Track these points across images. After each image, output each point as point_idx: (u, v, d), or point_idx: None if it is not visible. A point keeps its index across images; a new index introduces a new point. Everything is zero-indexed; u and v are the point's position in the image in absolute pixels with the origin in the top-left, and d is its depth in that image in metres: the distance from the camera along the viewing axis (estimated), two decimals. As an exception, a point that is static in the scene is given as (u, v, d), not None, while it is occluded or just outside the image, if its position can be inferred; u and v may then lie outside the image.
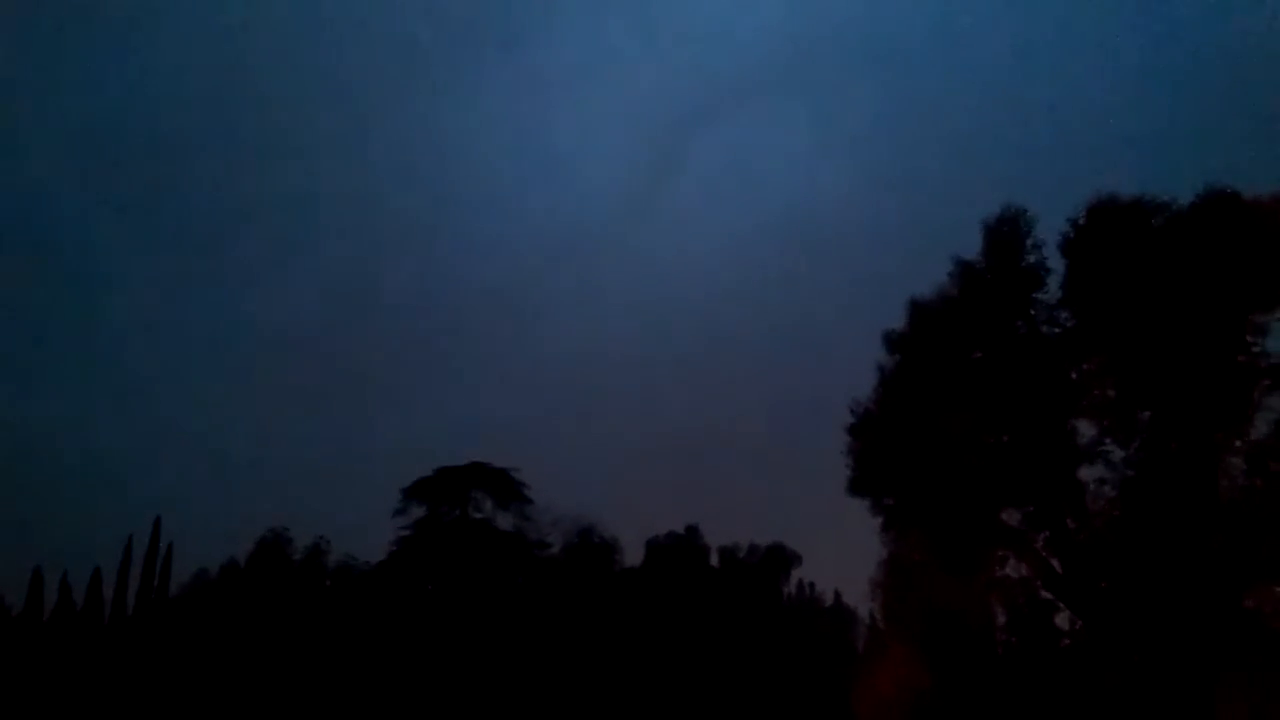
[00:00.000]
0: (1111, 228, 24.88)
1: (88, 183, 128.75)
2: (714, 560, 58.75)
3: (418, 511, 49.69)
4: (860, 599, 50.76)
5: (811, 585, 67.10)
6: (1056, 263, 26.35)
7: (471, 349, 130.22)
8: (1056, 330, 26.52)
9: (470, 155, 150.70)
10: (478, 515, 50.19)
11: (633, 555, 56.86)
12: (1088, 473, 25.40)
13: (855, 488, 28.65)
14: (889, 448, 27.74)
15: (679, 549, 57.08)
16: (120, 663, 46.73)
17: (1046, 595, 26.75)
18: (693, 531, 58.23)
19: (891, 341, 28.51)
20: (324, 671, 44.33)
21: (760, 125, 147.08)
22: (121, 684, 44.08)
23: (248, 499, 79.11)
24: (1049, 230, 26.44)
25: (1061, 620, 26.71)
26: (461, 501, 49.88)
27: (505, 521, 50.58)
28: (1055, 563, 26.16)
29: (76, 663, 46.44)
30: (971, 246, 27.38)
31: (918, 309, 28.11)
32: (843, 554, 56.77)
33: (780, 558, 59.85)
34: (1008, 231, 27.05)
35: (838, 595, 66.46)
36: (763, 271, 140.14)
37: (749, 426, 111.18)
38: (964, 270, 27.47)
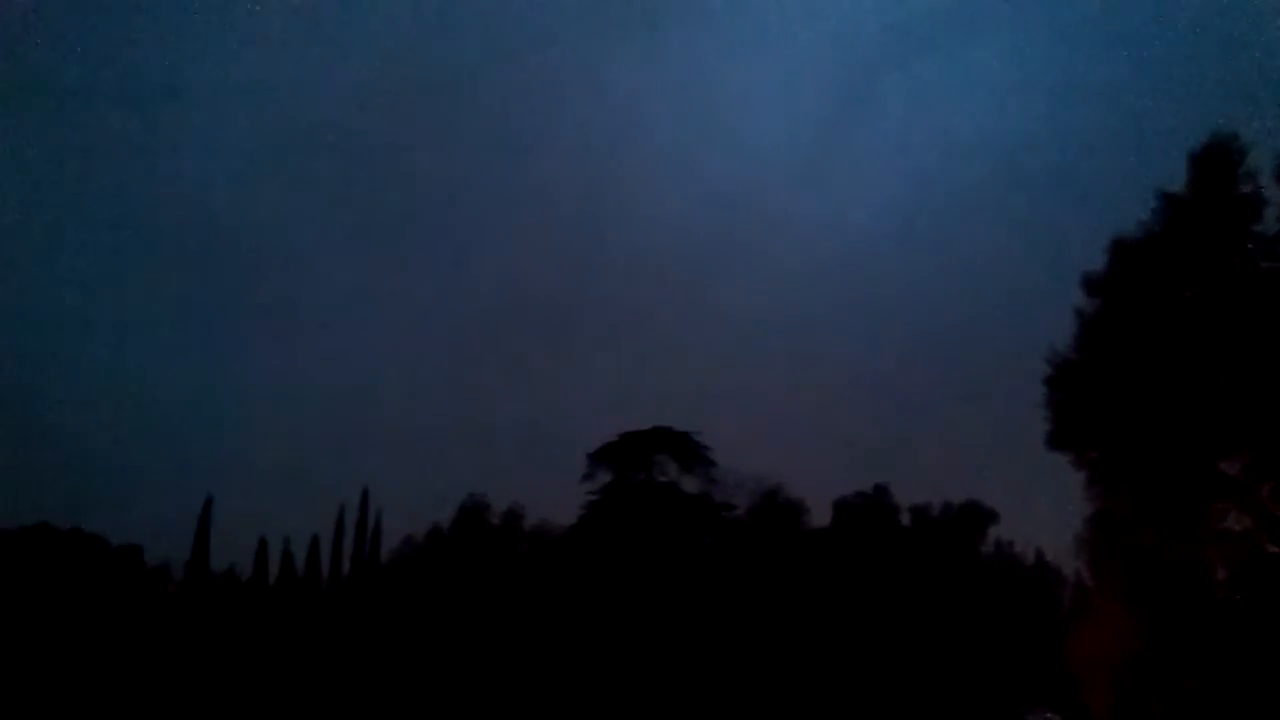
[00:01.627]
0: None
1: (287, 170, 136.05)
2: (905, 520, 57.32)
3: (604, 476, 50.81)
4: (1064, 557, 48.77)
5: (1010, 544, 64.52)
6: (1273, 192, 24.19)
7: (650, 314, 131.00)
8: (1277, 265, 24.37)
9: (639, 117, 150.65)
10: (662, 479, 50.83)
11: (820, 516, 56.31)
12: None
13: (1056, 441, 27.30)
14: (1092, 398, 26.25)
15: (868, 509, 56.00)
16: (338, 625, 49.85)
17: (1273, 549, 24.83)
18: (881, 490, 56.94)
19: (1092, 284, 26.84)
20: (524, 631, 46.02)
21: (946, 67, 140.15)
22: (340, 645, 47.02)
23: (448, 468, 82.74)
24: (1263, 158, 24.25)
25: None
26: (646, 465, 50.62)
27: (690, 484, 51.07)
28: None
29: (299, 625, 49.81)
30: (1176, 179, 25.43)
31: (1120, 248, 26.33)
32: (1043, 510, 54.21)
33: (976, 516, 57.66)
34: (1217, 160, 24.93)
35: (1039, 554, 63.54)
36: (950, 220, 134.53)
37: (939, 381, 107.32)
38: (1170, 204, 25.51)
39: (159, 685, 40.73)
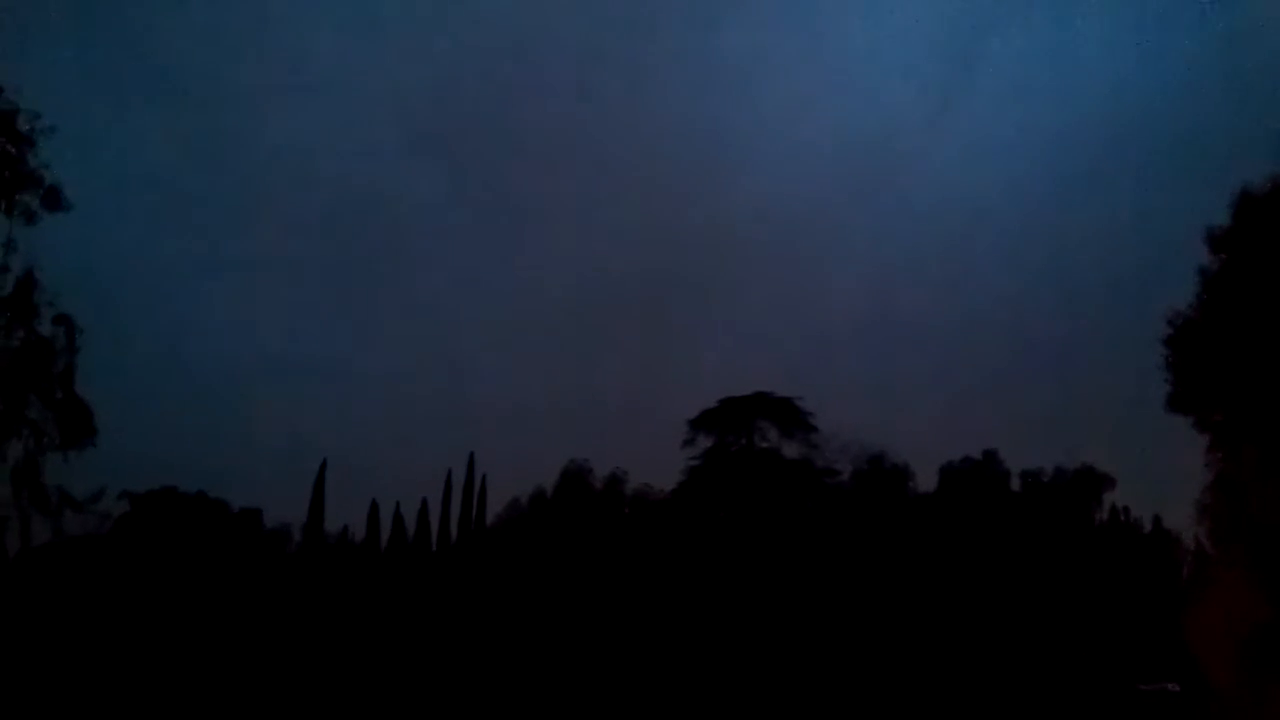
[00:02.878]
0: None
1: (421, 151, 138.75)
2: (1015, 485, 55.82)
3: (705, 442, 50.84)
4: (1184, 524, 46.88)
5: (1126, 510, 62.22)
6: None
7: (755, 277, 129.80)
8: None
9: (748, 78, 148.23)
10: (763, 445, 50.58)
11: (926, 482, 55.28)
12: None
13: (1176, 404, 26.07)
14: (1215, 358, 24.95)
15: (976, 474, 54.68)
16: (447, 586, 51.15)
17: None
18: (991, 456, 55.51)
19: (1216, 239, 25.36)
20: (627, 595, 46.49)
21: (1064, 19, 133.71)
22: (449, 607, 48.25)
23: (551, 435, 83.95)
24: None
25: None
26: (747, 431, 50.42)
27: (791, 450, 50.71)
28: None
29: (410, 586, 51.26)
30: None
31: (1246, 201, 24.82)
32: (1162, 475, 52.06)
33: (1090, 481, 55.77)
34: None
35: (1157, 520, 61.16)
36: (1068, 176, 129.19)
37: (1052, 342, 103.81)
38: (1301, 152, 23.96)
39: (278, 644, 42.42)
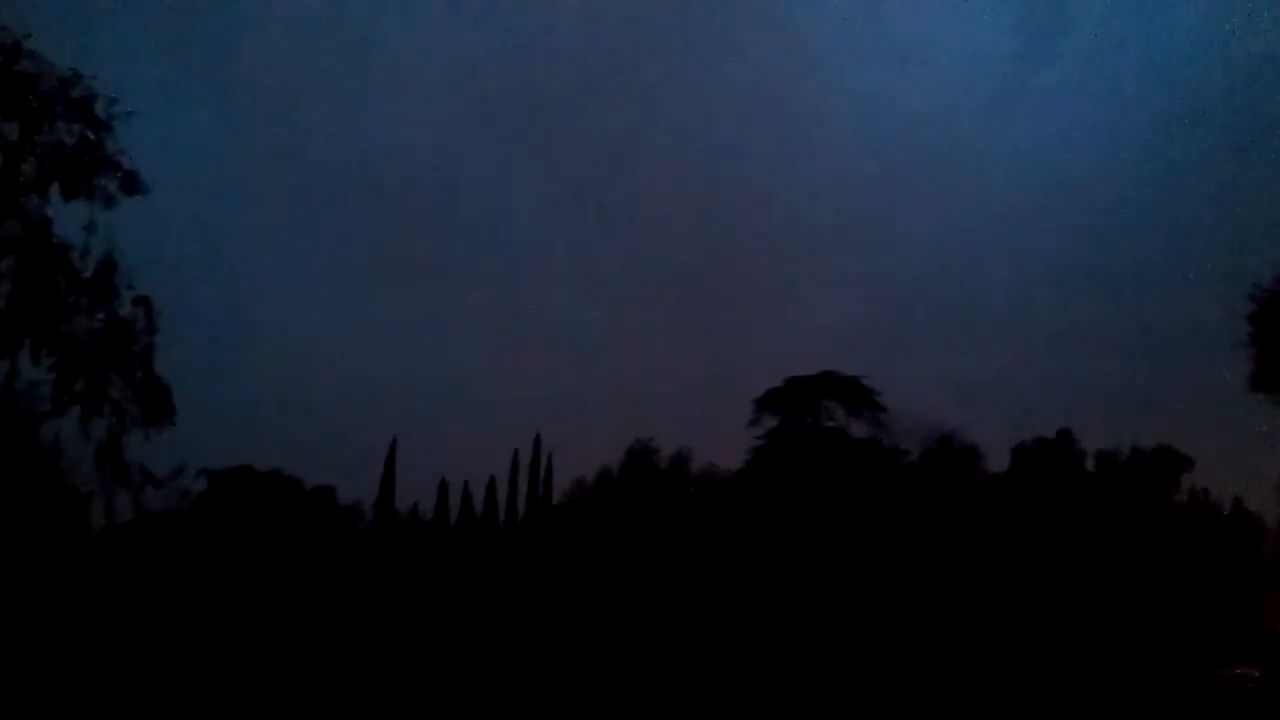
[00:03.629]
0: None
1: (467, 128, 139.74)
2: (1090, 466, 54.57)
3: (770, 421, 50.56)
4: (1266, 505, 45.68)
5: (1205, 491, 60.54)
6: None
7: (824, 254, 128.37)
8: None
9: (817, 48, 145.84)
10: (830, 424, 50.12)
11: (997, 462, 54.30)
12: None
13: (1260, 382, 25.37)
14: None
15: (1050, 454, 53.54)
16: (514, 563, 51.73)
17: None
18: (1065, 435, 54.32)
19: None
20: (691, 576, 46.51)
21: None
22: (516, 583, 48.79)
23: (616, 414, 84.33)
24: None
25: None
26: (813, 411, 50.00)
27: (859, 430, 50.20)
28: None
29: (478, 563, 51.95)
30: None
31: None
32: (1243, 456, 50.58)
33: (1168, 461, 54.34)
34: None
35: (1237, 502, 59.41)
36: (1149, 154, 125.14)
37: (1128, 320, 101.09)
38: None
39: (350, 619, 43.28)
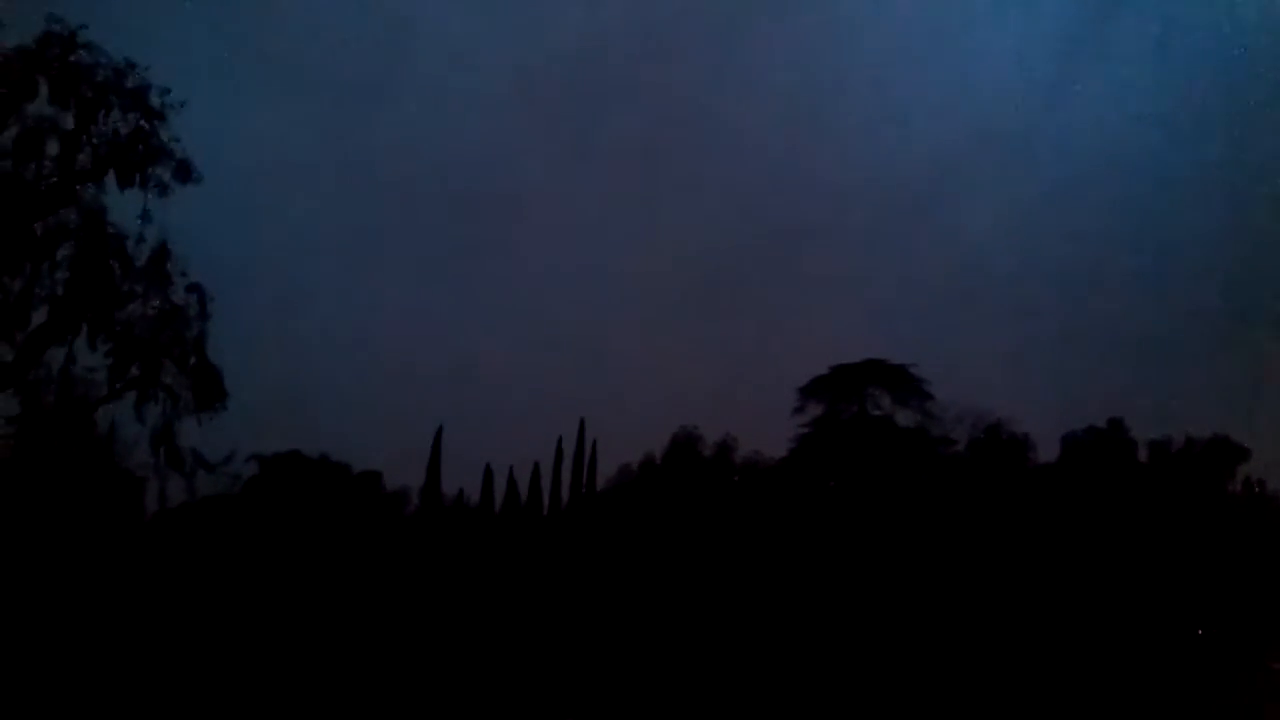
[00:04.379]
0: None
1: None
2: (1143, 456, 53.60)
3: (816, 409, 50.22)
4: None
5: (1261, 483, 59.23)
6: None
7: (868, 244, 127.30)
8: None
9: (866, 33, 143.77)
10: (876, 412, 49.67)
11: (1047, 452, 53.53)
12: None
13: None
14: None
15: (1101, 444, 52.66)
16: (559, 549, 51.94)
17: None
18: (1116, 425, 53.38)
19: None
20: (736, 563, 46.39)
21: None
22: (560, 568, 48.99)
23: (661, 399, 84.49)
24: None
25: None
26: (859, 399, 49.56)
27: (905, 418, 49.73)
28: None
29: (523, 549, 52.22)
30: None
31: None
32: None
33: (1223, 452, 53.23)
34: None
35: (1294, 493, 58.17)
36: (1209, 138, 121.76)
37: (1180, 309, 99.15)
38: None
39: (397, 602, 43.72)
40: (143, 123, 29.78)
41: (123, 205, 30.04)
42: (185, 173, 30.18)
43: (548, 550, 52.19)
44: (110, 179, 29.74)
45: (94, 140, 29.39)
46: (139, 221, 29.86)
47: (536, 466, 61.06)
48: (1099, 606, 43.68)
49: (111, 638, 28.53)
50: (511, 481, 61.30)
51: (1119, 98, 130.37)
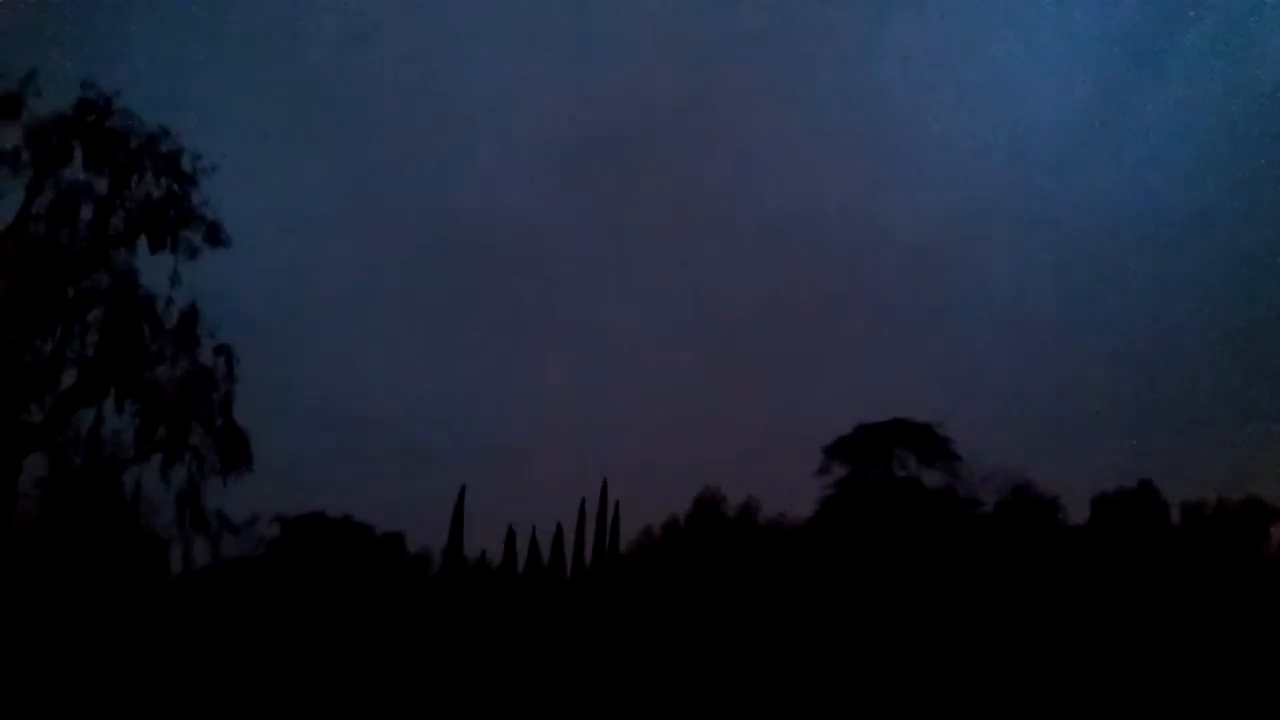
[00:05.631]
0: None
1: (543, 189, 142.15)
2: (1175, 518, 52.77)
3: (840, 470, 49.71)
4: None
5: (1296, 545, 58.28)
6: None
7: (888, 301, 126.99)
8: None
9: (901, 82, 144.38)
10: (902, 473, 49.13)
11: (1077, 514, 52.75)
12: None
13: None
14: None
15: (1131, 505, 51.88)
16: (581, 613, 51.38)
17: None
18: (1147, 486, 52.64)
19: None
20: (761, 627, 45.70)
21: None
22: (583, 632, 48.39)
23: (685, 460, 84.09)
24: None
25: None
26: (885, 459, 49.08)
27: (932, 479, 49.08)
28: None
29: (545, 612, 51.71)
30: None
31: None
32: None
33: (1257, 514, 52.36)
34: None
35: (1330, 556, 57.06)
36: (1232, 198, 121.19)
37: (1214, 367, 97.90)
38: None
39: (419, 666, 43.27)
40: (175, 187, 30.37)
41: (153, 266, 30.57)
42: (215, 236, 30.70)
43: (570, 614, 51.63)
44: (142, 242, 30.26)
45: (127, 205, 29.99)
46: (169, 283, 30.35)
47: (559, 528, 60.86)
48: (1136, 671, 42.67)
49: (135, 701, 28.30)
50: (534, 543, 61.03)
51: (1144, 155, 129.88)
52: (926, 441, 48.61)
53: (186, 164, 30.49)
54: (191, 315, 30.61)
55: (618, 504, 60.92)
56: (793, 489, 54.43)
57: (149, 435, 30.39)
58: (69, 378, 29.21)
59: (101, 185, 29.68)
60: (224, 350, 31.39)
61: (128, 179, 29.90)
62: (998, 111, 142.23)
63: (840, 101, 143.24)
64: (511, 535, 60.25)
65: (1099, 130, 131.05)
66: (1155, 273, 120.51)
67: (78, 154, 29.16)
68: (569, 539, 60.63)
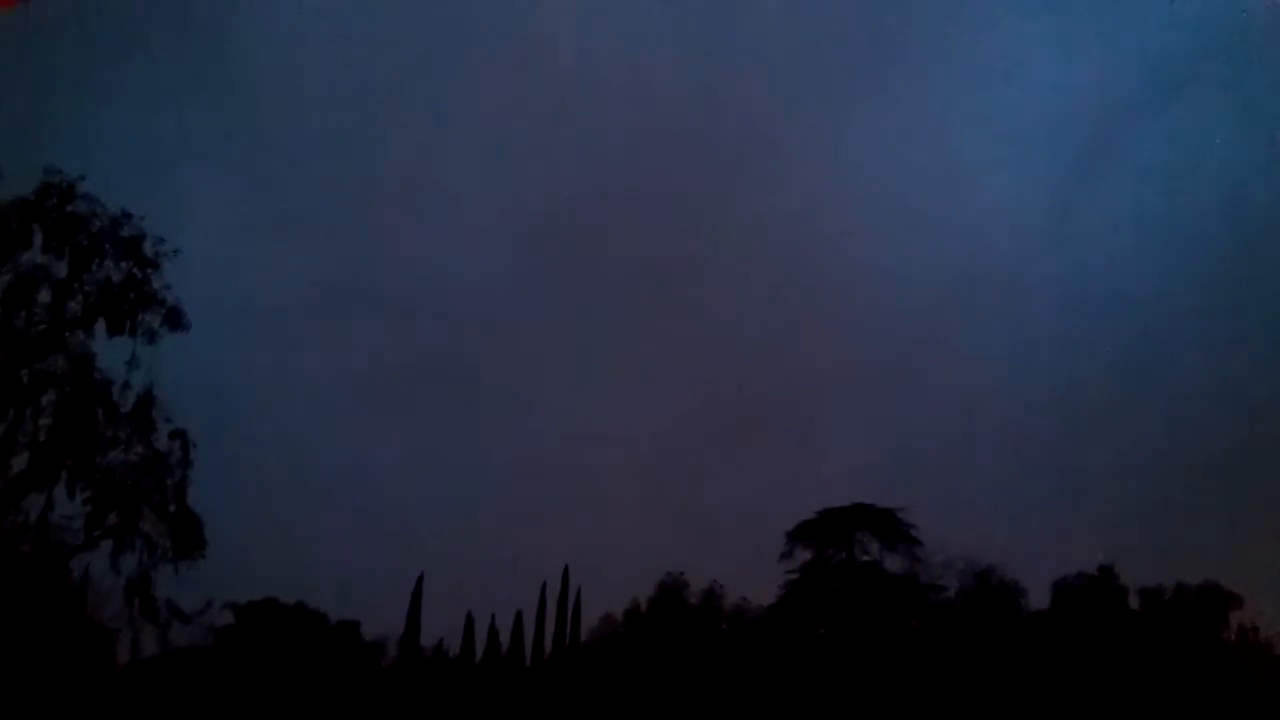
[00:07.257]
0: None
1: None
2: (1134, 603, 52.97)
3: (804, 555, 49.60)
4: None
5: (1255, 630, 58.46)
6: None
7: (855, 386, 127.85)
8: None
9: (870, 172, 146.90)
10: (865, 558, 49.14)
11: (1038, 599, 52.83)
12: None
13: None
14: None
15: (1092, 591, 52.09)
16: (541, 703, 50.33)
17: None
18: (1107, 571, 52.90)
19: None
20: (724, 714, 45.06)
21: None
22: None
23: (646, 547, 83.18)
24: None
25: None
26: (847, 544, 49.09)
27: (894, 564, 49.13)
28: None
29: (504, 702, 50.59)
30: None
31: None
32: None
33: (1215, 599, 52.71)
34: None
35: (1289, 640, 57.33)
36: (1197, 282, 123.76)
37: (1172, 455, 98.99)
38: None
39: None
40: (135, 271, 30.31)
41: (110, 349, 30.28)
42: (175, 320, 30.60)
43: (530, 704, 50.55)
44: (100, 325, 30.05)
45: (86, 288, 29.85)
46: (126, 367, 30.06)
47: (519, 616, 59.64)
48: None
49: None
50: (493, 631, 59.74)
51: (1110, 244, 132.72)
52: (889, 526, 48.77)
53: (148, 248, 30.52)
54: (147, 399, 30.28)
55: (579, 590, 60.03)
56: (756, 572, 54.03)
57: (99, 521, 29.79)
58: (20, 461, 28.67)
59: (61, 269, 29.58)
60: (180, 434, 30.99)
61: (88, 263, 29.86)
62: (963, 208, 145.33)
63: (803, 187, 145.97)
64: (470, 622, 58.95)
65: (1062, 221, 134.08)
66: (1118, 360, 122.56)
67: (38, 238, 29.09)
68: (529, 626, 59.51)
